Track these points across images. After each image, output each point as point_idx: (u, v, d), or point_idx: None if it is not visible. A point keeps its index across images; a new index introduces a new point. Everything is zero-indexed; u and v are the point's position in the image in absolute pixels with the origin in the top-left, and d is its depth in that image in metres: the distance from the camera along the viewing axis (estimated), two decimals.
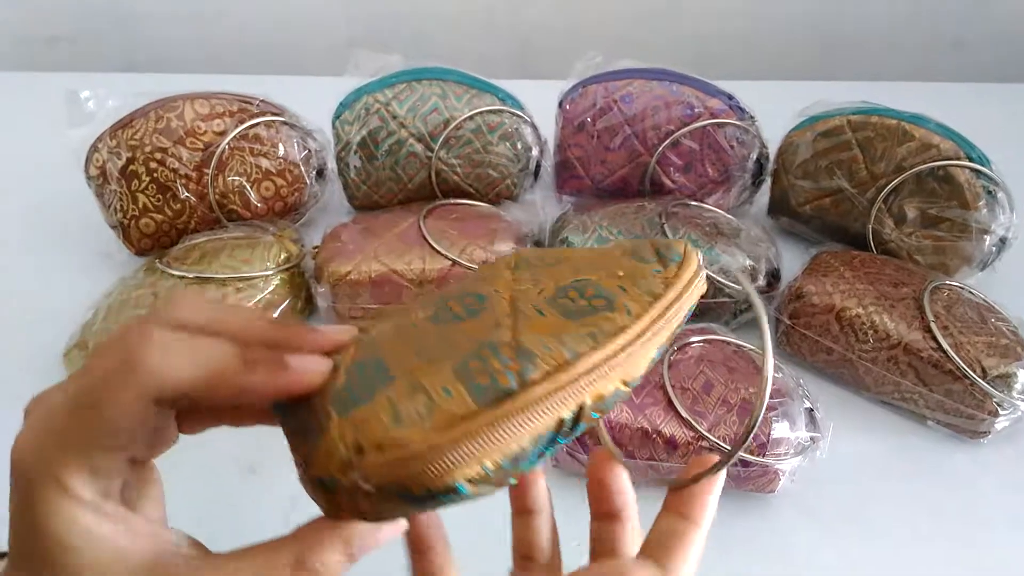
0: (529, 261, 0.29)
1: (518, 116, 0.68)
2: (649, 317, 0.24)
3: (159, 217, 0.64)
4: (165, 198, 0.63)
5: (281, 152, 0.66)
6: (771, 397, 0.47)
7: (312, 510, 0.24)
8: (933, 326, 0.52)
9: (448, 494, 0.21)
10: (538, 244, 0.66)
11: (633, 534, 0.29)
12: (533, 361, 0.22)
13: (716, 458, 0.26)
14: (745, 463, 0.46)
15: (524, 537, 0.31)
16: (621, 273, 0.26)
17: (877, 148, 0.62)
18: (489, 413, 0.21)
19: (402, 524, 0.26)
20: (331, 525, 0.24)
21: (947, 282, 0.56)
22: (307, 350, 0.25)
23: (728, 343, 0.51)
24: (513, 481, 0.22)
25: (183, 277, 0.58)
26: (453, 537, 0.30)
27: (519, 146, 0.69)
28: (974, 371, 0.50)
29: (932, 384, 0.52)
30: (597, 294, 0.25)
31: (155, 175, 0.63)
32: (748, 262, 0.60)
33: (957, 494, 0.50)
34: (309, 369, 0.24)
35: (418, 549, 0.29)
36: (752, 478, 0.47)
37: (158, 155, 0.62)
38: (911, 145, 0.60)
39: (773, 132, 0.69)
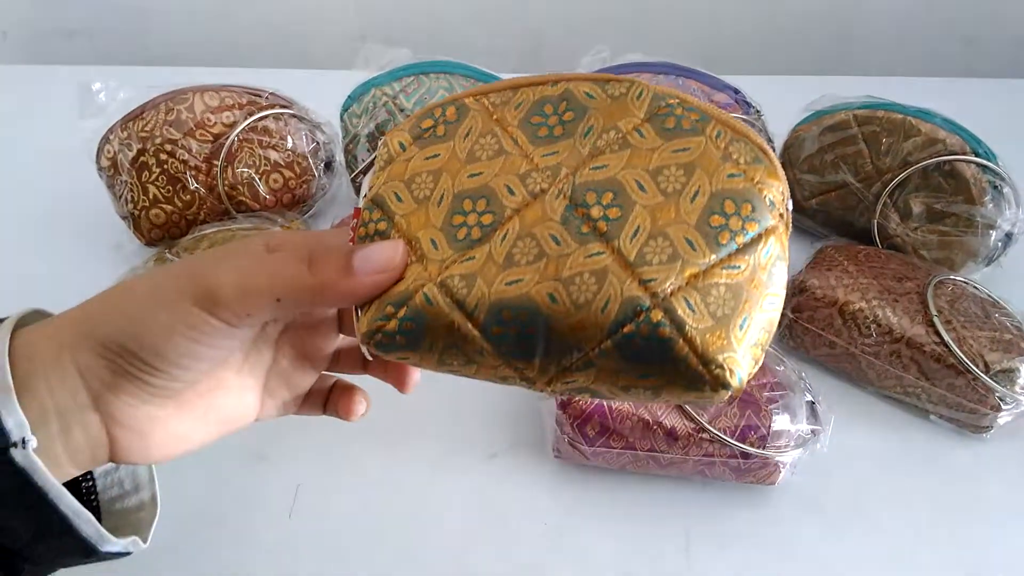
0: None
1: None
2: None
3: (169, 208, 0.65)
4: (175, 189, 0.64)
5: (290, 144, 0.67)
6: (772, 390, 0.48)
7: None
8: (936, 320, 0.52)
9: None
10: None
11: None
12: None
13: None
14: (746, 455, 0.46)
15: None
16: None
17: (883, 143, 0.62)
18: None
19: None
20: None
21: (951, 277, 0.56)
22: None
23: None
24: None
25: None
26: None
27: None
28: (977, 366, 0.50)
29: (934, 379, 0.52)
30: None
31: (165, 166, 0.63)
32: None
33: (958, 489, 0.51)
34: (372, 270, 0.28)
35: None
36: (753, 470, 0.47)
37: (168, 147, 0.63)
38: (917, 140, 0.60)
39: (779, 126, 0.69)
